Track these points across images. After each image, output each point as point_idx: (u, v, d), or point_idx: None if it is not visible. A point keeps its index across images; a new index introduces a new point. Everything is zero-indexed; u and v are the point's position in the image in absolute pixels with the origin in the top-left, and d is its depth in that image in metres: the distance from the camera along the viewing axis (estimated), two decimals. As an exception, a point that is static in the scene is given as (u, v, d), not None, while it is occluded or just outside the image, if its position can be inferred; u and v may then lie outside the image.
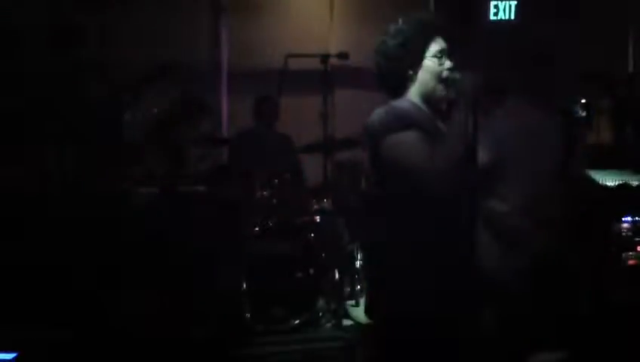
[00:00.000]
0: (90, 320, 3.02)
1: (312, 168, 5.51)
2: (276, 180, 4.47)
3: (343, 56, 4.72)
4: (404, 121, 2.08)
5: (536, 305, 2.99)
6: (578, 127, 3.05)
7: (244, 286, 4.01)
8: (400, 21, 2.21)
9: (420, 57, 2.17)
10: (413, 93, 2.21)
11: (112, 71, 3.71)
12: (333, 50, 4.83)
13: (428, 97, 2.20)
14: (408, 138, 2.06)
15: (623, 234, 3.99)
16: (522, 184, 2.91)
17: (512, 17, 5.74)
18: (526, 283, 2.92)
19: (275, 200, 4.40)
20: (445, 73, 2.15)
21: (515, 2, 5.73)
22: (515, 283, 2.88)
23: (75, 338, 2.80)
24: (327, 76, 4.71)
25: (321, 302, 4.39)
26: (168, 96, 4.25)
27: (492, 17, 5.74)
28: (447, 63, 2.17)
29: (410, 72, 2.18)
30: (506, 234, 2.88)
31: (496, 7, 5.73)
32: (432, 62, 2.17)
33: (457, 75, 2.11)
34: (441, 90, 2.17)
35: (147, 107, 3.66)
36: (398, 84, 2.21)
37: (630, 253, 3.99)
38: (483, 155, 3.02)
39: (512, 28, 5.75)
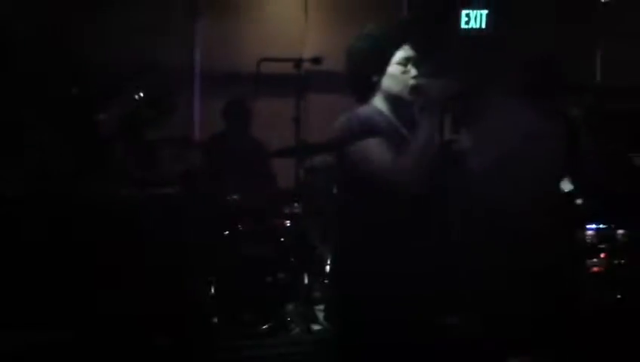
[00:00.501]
0: (59, 323, 2.98)
1: (284, 172, 5.52)
2: (247, 184, 4.45)
3: (316, 60, 4.73)
4: (363, 128, 2.09)
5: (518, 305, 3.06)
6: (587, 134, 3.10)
7: (213, 290, 3.98)
8: (370, 26, 2.22)
9: (385, 63, 2.17)
10: (378, 99, 2.22)
11: (86, 70, 3.67)
12: (307, 54, 4.84)
13: (393, 103, 2.21)
14: (367, 144, 2.07)
15: (588, 241, 4.07)
16: (520, 186, 2.96)
17: (484, 26, 5.82)
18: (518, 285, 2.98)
19: (245, 204, 4.38)
20: (411, 81, 2.16)
21: (486, 12, 5.81)
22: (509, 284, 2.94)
23: (45, 341, 2.75)
24: (300, 80, 4.72)
25: (290, 307, 4.39)
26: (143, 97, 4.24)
27: (463, 26, 5.81)
28: (413, 71, 2.17)
29: (375, 78, 2.18)
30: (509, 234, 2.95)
31: (467, 15, 5.80)
32: (397, 70, 2.17)
33: (423, 82, 2.12)
34: (406, 97, 2.18)
35: (122, 108, 3.63)
36: (364, 89, 2.22)
37: (595, 260, 4.07)
38: (482, 157, 3.08)
39: (485, 37, 5.84)
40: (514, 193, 3.02)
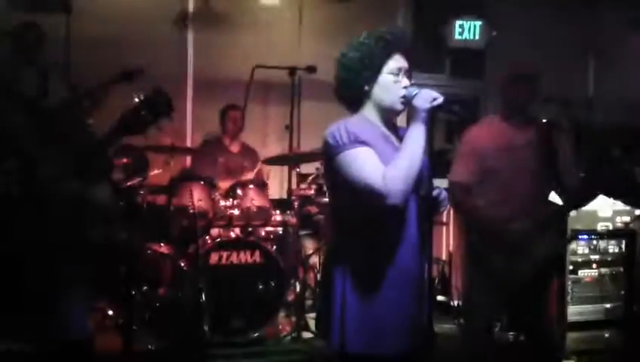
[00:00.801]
0: (39, 330, 2.92)
1: (276, 179, 5.51)
2: (239, 191, 4.45)
3: (310, 69, 4.75)
4: (350, 138, 2.08)
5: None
6: (565, 143, 3.13)
7: (203, 297, 3.96)
8: (362, 35, 2.20)
9: (377, 73, 2.16)
10: (369, 109, 2.21)
11: (76, 78, 3.64)
12: (301, 63, 4.85)
13: (384, 113, 2.21)
14: (352, 154, 2.07)
15: (580, 252, 4.09)
16: (502, 193, 3.01)
17: (477, 37, 5.85)
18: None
19: (237, 211, 4.38)
20: (402, 91, 2.14)
21: (480, 23, 5.84)
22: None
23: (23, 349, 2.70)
24: (294, 89, 4.72)
25: (281, 315, 4.38)
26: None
27: (457, 37, 5.84)
28: (405, 81, 2.16)
29: (366, 88, 2.18)
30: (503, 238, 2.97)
31: (461, 27, 5.83)
32: (388, 79, 2.16)
33: (415, 92, 2.11)
34: (397, 106, 2.17)
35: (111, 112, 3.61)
36: (355, 98, 2.21)
37: (586, 271, 4.09)
38: (461, 172, 3.14)
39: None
40: (499, 201, 3.05)
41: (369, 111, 2.21)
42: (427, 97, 2.08)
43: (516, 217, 3.03)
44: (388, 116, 2.22)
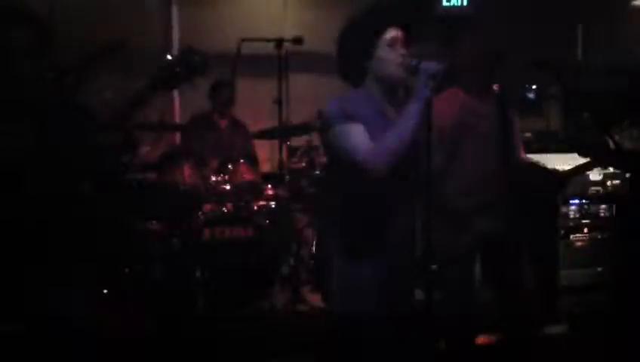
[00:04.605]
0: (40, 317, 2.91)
1: (267, 153, 5.48)
2: (230, 166, 4.43)
3: (297, 40, 4.69)
4: (341, 114, 2.12)
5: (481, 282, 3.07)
6: (515, 113, 3.11)
7: (198, 272, 3.96)
8: (356, 10, 2.21)
9: (373, 46, 2.17)
10: (370, 83, 2.23)
11: (59, 54, 3.58)
12: (288, 34, 4.79)
13: (384, 86, 2.21)
14: (345, 129, 2.11)
15: (571, 216, 4.11)
16: (463, 167, 2.97)
17: (465, 4, 5.78)
18: (469, 263, 3.00)
19: (228, 186, 4.36)
20: (400, 60, 2.15)
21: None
22: (459, 263, 2.95)
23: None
24: (281, 61, 4.67)
25: (276, 288, 4.40)
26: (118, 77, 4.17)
27: (445, 3, 5.78)
28: (401, 51, 2.16)
29: (364, 62, 2.19)
30: (451, 215, 2.95)
31: (449, -7, 5.76)
32: (386, 51, 2.17)
33: (414, 62, 2.10)
34: (396, 78, 2.17)
35: (97, 89, 3.56)
36: (355, 73, 2.23)
37: (578, 235, 4.12)
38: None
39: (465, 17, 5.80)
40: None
41: (370, 86, 2.23)
42: (427, 68, 2.07)
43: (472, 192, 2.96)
44: (389, 89, 2.22)
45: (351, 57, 2.20)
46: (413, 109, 2.07)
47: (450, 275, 2.88)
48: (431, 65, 2.06)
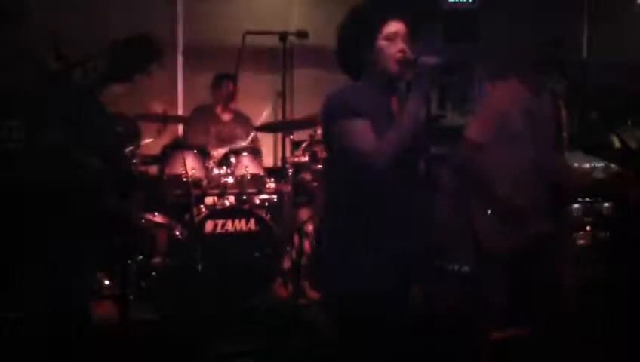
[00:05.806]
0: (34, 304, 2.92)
1: (270, 147, 5.48)
2: (232, 159, 4.42)
3: (302, 35, 4.67)
4: (345, 108, 2.11)
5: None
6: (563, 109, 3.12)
7: (199, 266, 3.97)
8: (358, 2, 2.20)
9: (373, 40, 2.15)
10: (369, 76, 2.21)
11: (63, 45, 3.57)
12: (292, 28, 4.78)
13: (383, 80, 2.20)
14: (344, 123, 2.10)
15: (574, 214, 4.11)
16: (518, 164, 2.96)
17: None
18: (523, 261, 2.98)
19: (231, 179, 4.36)
20: (399, 55, 2.14)
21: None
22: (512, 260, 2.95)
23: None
24: (286, 54, 4.66)
25: (278, 281, 4.40)
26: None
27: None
28: (401, 45, 2.15)
29: (364, 55, 2.18)
30: (506, 214, 2.94)
31: (454, -12, 5.74)
32: (386, 45, 2.15)
33: (412, 57, 2.10)
34: (395, 71, 2.16)
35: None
36: (355, 66, 2.22)
37: (580, 233, 4.11)
38: (477, 130, 3.07)
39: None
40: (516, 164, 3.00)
41: (369, 79, 2.21)
42: (425, 63, 2.07)
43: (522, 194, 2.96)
44: (388, 83, 2.21)
45: (351, 48, 2.19)
46: (412, 104, 2.07)
47: (497, 273, 2.89)
48: (430, 60, 2.06)
